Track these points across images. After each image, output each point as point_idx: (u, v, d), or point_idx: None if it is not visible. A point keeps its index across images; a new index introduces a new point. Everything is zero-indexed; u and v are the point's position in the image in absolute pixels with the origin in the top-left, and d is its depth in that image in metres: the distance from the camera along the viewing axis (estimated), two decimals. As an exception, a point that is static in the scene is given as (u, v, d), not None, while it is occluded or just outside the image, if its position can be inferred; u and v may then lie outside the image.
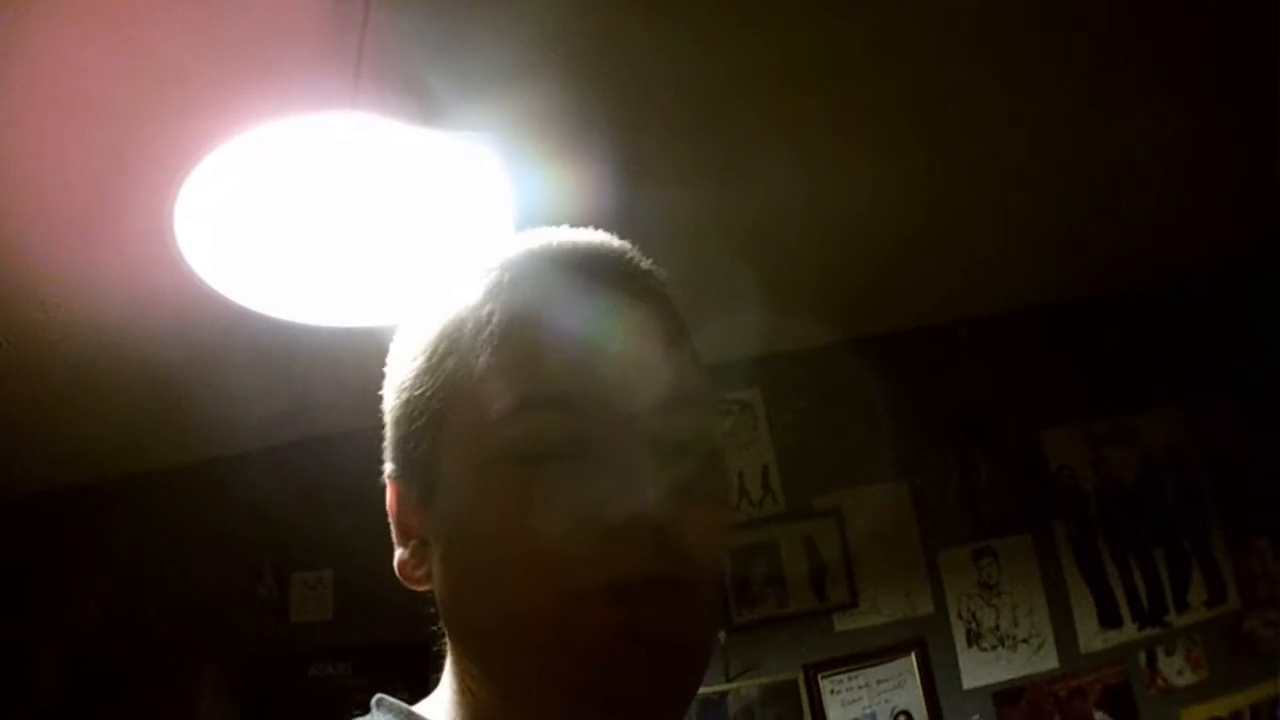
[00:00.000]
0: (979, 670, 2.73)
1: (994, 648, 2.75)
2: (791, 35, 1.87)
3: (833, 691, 2.68)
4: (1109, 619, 2.80)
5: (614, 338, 0.58)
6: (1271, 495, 2.85)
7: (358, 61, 1.70)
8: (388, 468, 0.64)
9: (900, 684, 2.69)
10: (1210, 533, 2.88)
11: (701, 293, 2.29)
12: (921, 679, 2.70)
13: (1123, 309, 3.02)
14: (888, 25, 1.88)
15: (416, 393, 0.61)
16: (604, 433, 0.55)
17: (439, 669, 0.64)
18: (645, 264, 0.64)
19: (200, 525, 2.71)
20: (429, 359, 0.61)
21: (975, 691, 2.70)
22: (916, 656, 2.71)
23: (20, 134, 1.87)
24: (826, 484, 2.85)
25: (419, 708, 0.62)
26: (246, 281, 1.68)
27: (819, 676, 2.69)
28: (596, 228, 0.66)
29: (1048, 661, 2.75)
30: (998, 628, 2.77)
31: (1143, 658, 2.77)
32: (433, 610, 0.63)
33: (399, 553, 0.63)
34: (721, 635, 2.70)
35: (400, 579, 0.63)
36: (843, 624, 2.76)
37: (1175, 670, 2.77)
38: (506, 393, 0.56)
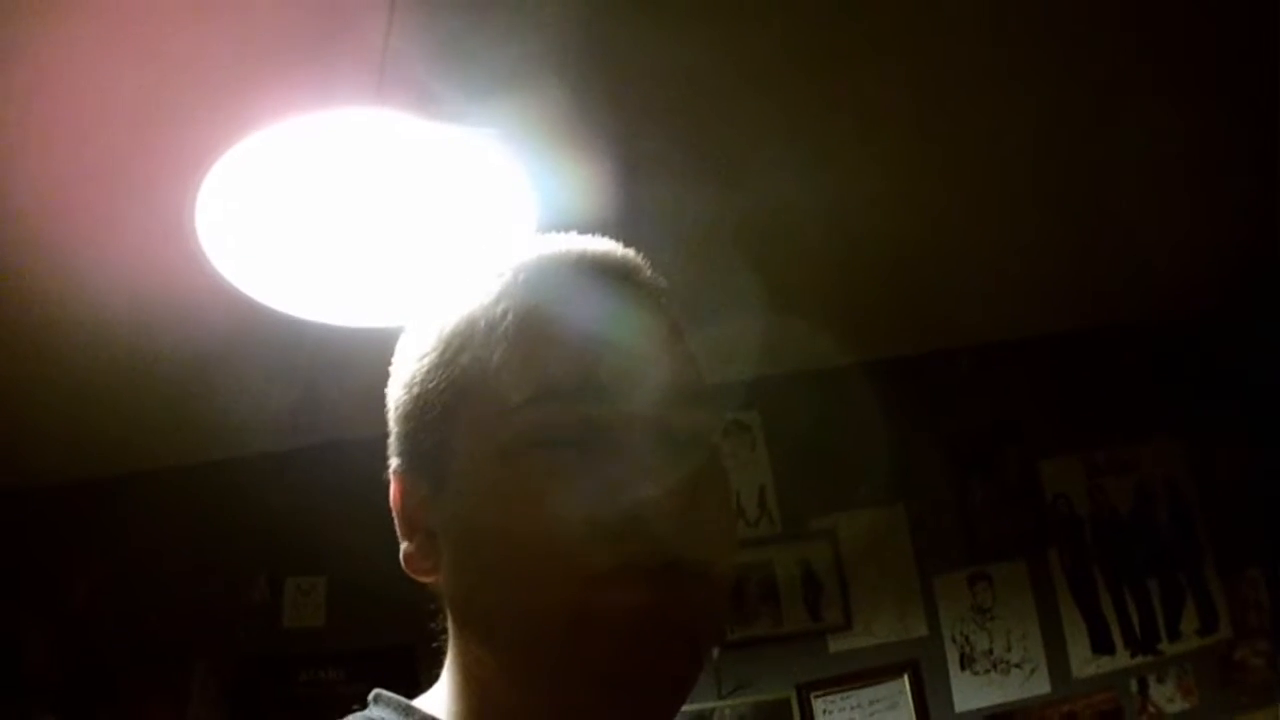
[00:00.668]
0: (972, 693, 2.73)
1: (987, 671, 2.75)
2: (807, 40, 1.90)
3: (825, 712, 2.68)
4: (1102, 645, 2.81)
5: (623, 335, 0.60)
6: (1263, 526, 2.87)
7: (382, 57, 1.71)
8: (393, 463, 0.65)
9: (893, 705, 2.69)
10: (1203, 562, 2.90)
11: (705, 301, 2.36)
12: (914, 701, 2.70)
13: (1124, 340, 3.04)
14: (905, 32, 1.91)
15: (429, 387, 0.62)
16: (618, 423, 0.57)
17: (434, 669, 0.65)
18: (648, 270, 0.67)
19: (197, 526, 2.71)
20: (441, 354, 0.63)
21: (967, 715, 2.71)
22: (909, 678, 2.72)
23: (41, 130, 1.87)
24: (823, 506, 2.86)
25: (418, 702, 0.63)
26: (263, 278, 1.68)
27: (812, 696, 2.69)
28: (610, 227, 0.68)
29: (1040, 686, 2.75)
30: (991, 651, 2.77)
31: (1134, 685, 2.77)
32: (433, 606, 0.65)
33: (405, 546, 0.64)
34: (714, 652, 2.70)
35: (407, 572, 0.63)
36: (836, 645, 2.76)
37: (1166, 698, 2.77)
38: (523, 383, 0.58)
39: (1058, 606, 2.82)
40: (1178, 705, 2.76)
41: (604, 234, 0.67)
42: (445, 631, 0.64)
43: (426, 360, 0.63)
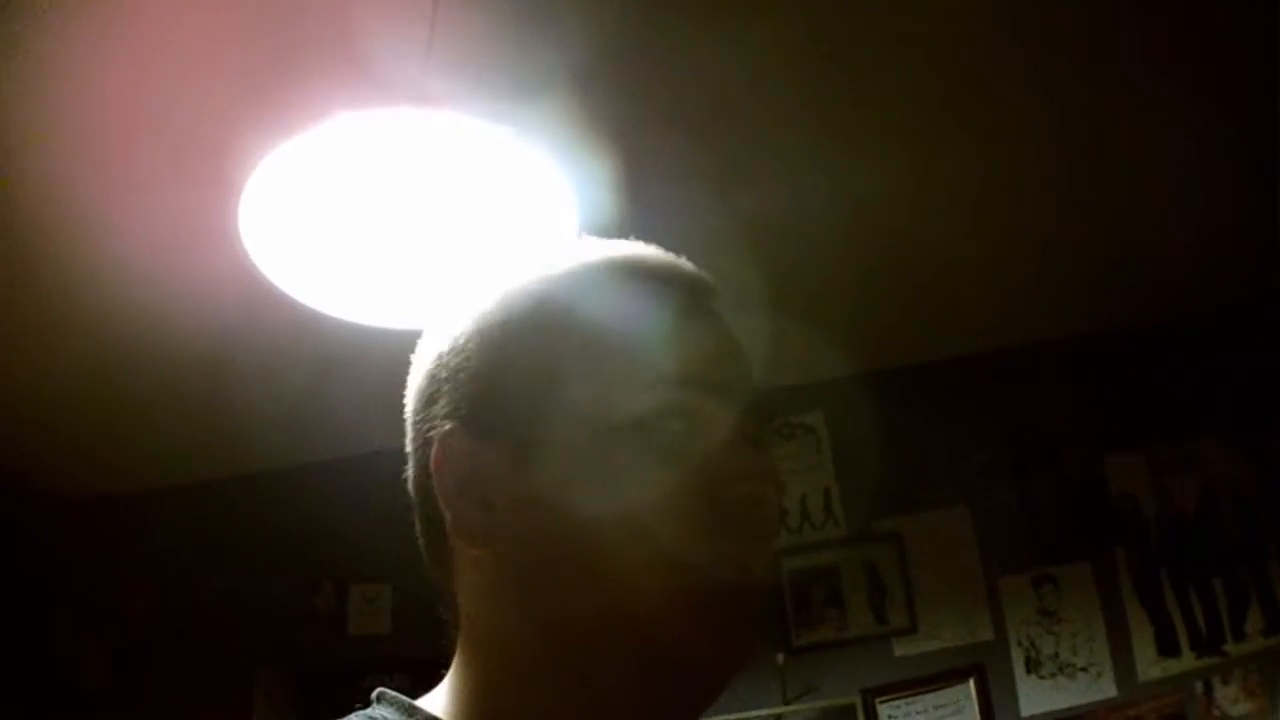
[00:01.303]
0: (1037, 698, 2.72)
1: (1053, 675, 2.74)
2: (834, 46, 1.92)
3: (890, 717, 2.67)
4: (1167, 648, 2.79)
5: (730, 339, 0.63)
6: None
7: (425, 58, 1.70)
8: (447, 426, 0.61)
9: (958, 711, 2.68)
10: (1268, 562, 2.86)
11: (757, 304, 2.37)
12: (980, 706, 2.68)
13: (1186, 337, 2.98)
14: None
15: (514, 354, 0.60)
16: (736, 419, 0.59)
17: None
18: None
19: (262, 535, 2.71)
20: (535, 324, 0.61)
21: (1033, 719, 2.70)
22: (975, 683, 2.70)
23: (85, 134, 1.89)
24: (888, 508, 2.83)
25: (422, 701, 0.62)
26: (316, 284, 1.68)
27: (876, 702, 2.68)
28: (650, 231, 0.70)
29: (1106, 690, 2.73)
30: (1057, 655, 2.75)
31: (1199, 686, 2.75)
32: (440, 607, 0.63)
33: (458, 510, 0.60)
34: (780, 657, 2.69)
35: (457, 538, 0.60)
36: (901, 649, 2.75)
37: (1231, 699, 2.76)
38: (657, 374, 0.58)
39: (1124, 608, 2.80)
40: (1242, 707, 2.74)
41: (645, 235, 0.68)
42: (456, 624, 0.63)
43: (525, 322, 0.61)
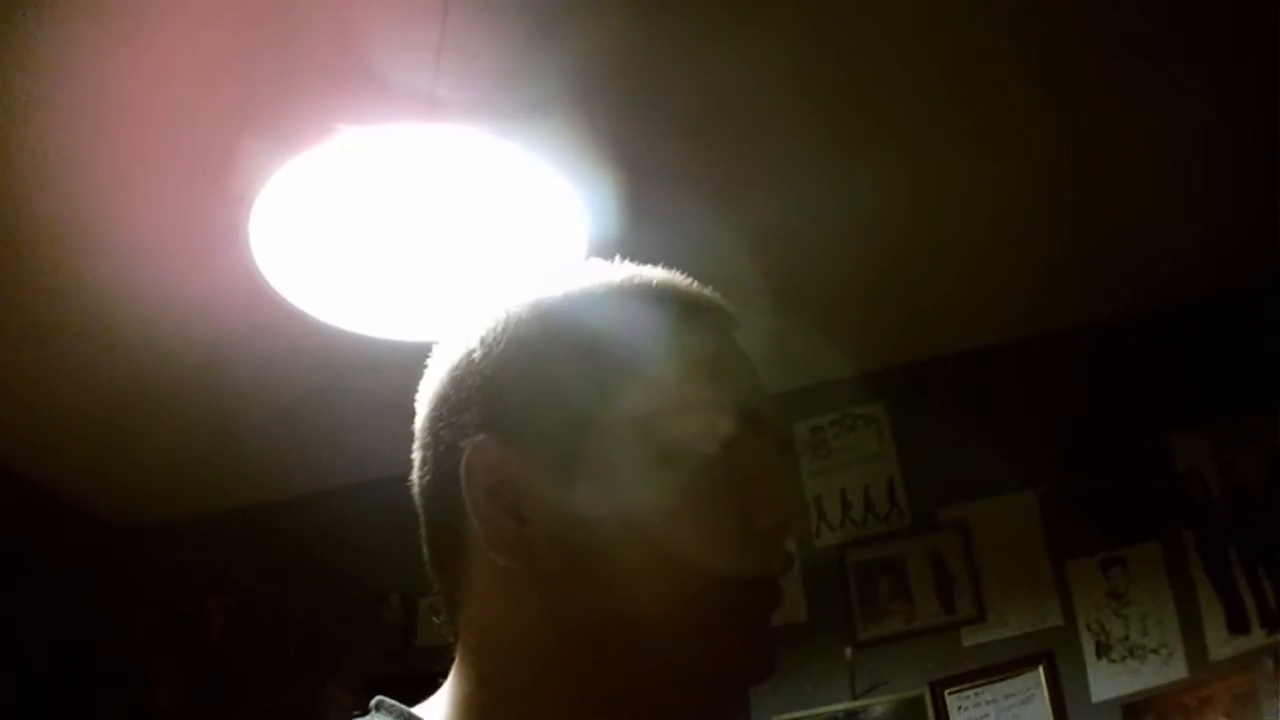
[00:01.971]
0: (1108, 682, 2.70)
1: (1123, 659, 2.72)
2: (838, 53, 1.93)
3: (960, 708, 2.66)
4: (1238, 625, 2.76)
5: (757, 372, 0.65)
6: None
7: (435, 71, 1.69)
8: (480, 436, 0.60)
9: (1028, 699, 2.67)
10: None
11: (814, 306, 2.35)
12: (1050, 693, 2.67)
13: (1246, 309, 2.91)
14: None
15: (573, 371, 0.61)
16: (774, 452, 0.63)
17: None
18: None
19: (330, 551, 2.71)
20: (590, 340, 0.62)
21: (1104, 705, 2.67)
22: (1045, 670, 2.68)
23: (96, 145, 1.89)
24: (952, 496, 2.79)
25: (419, 709, 0.63)
26: (345, 305, 1.72)
27: (945, 693, 2.67)
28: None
29: (1177, 671, 2.71)
30: (1127, 638, 2.73)
31: (1270, 663, 2.73)
32: (438, 614, 0.66)
33: (490, 522, 0.59)
34: (848, 651, 2.69)
35: (491, 550, 0.59)
36: (970, 638, 2.73)
37: (1302, 674, 2.74)
38: (704, 401, 0.60)
39: (1194, 587, 2.76)
40: (1314, 681, 2.73)
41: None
42: (456, 637, 0.64)
43: (574, 339, 0.62)
